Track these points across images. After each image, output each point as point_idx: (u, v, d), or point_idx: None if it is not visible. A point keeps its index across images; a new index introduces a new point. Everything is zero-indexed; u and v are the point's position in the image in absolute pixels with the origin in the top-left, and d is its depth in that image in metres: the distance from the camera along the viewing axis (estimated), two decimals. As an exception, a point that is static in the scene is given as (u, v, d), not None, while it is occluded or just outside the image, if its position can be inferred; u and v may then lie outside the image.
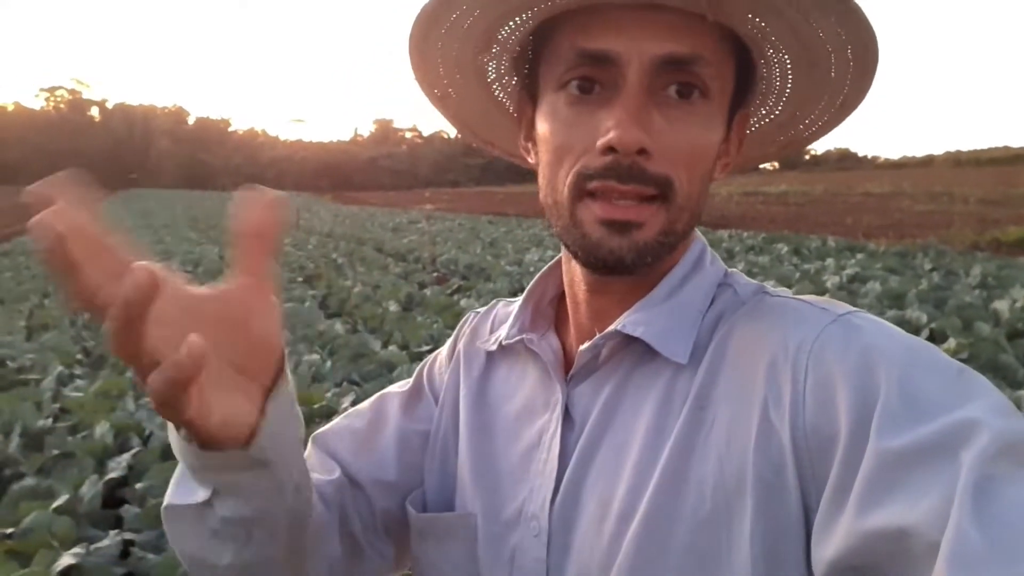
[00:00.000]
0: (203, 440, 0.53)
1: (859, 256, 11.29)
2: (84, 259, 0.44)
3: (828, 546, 0.51)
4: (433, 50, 0.68)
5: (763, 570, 0.55)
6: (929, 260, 10.71)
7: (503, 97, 0.75)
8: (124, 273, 0.43)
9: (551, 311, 0.75)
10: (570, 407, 0.68)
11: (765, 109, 0.71)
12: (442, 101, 0.75)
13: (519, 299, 0.77)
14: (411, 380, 0.84)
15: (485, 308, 0.84)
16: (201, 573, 0.64)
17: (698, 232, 0.70)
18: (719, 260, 0.70)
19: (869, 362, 0.53)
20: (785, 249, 12.58)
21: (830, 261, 10.54)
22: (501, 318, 0.79)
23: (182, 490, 0.61)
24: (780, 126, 0.72)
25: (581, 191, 0.60)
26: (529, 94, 0.68)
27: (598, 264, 0.62)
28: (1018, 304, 6.50)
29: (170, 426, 0.56)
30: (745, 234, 15.61)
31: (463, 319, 0.84)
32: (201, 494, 0.59)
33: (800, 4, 0.57)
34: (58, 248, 0.43)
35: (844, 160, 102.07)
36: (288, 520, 0.62)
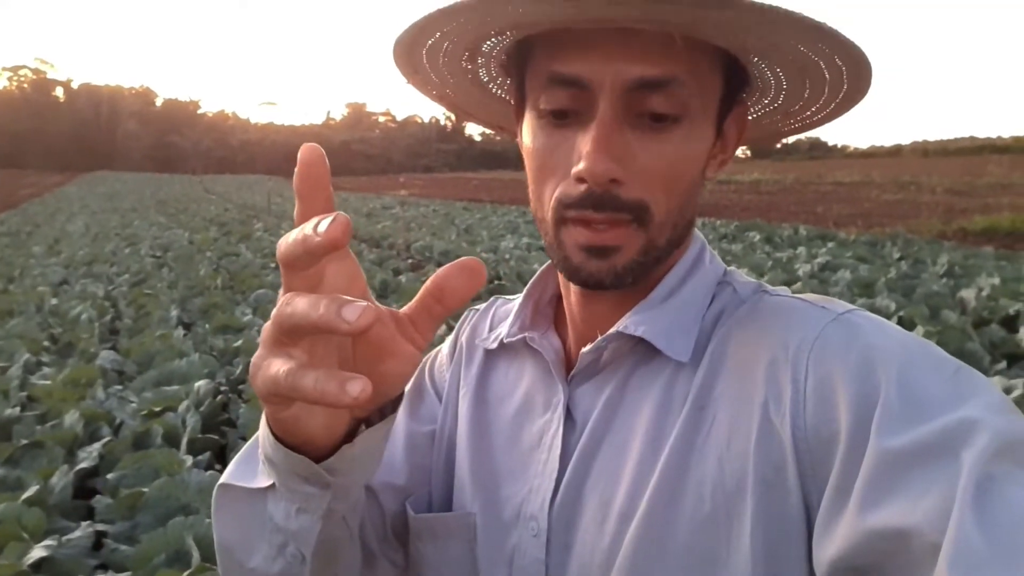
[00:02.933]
0: (282, 431, 0.51)
1: (830, 245, 11.45)
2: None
3: (829, 546, 0.51)
4: (420, 65, 0.67)
5: (763, 570, 0.55)
6: (897, 249, 10.89)
7: (501, 93, 0.74)
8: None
9: (550, 310, 0.75)
10: (571, 407, 0.68)
11: (767, 98, 0.70)
12: (443, 100, 0.75)
13: (518, 297, 0.76)
14: (411, 379, 0.83)
15: (484, 305, 0.83)
16: (228, 566, 0.63)
17: (697, 231, 0.70)
18: (718, 258, 0.70)
19: (869, 361, 0.53)
20: (757, 237, 12.71)
21: (801, 249, 10.67)
22: (500, 316, 0.79)
23: (242, 470, 0.61)
24: (786, 114, 0.71)
25: (563, 217, 0.61)
26: (520, 95, 0.67)
27: (580, 284, 0.63)
28: (984, 293, 6.65)
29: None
30: (718, 222, 15.73)
31: (462, 316, 0.83)
32: (261, 480, 0.57)
33: (775, 28, 0.56)
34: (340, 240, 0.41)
35: (814, 149, 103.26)
36: (324, 547, 0.60)
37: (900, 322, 6.03)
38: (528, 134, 0.64)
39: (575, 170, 0.59)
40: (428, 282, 0.50)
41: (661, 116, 0.58)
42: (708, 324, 0.65)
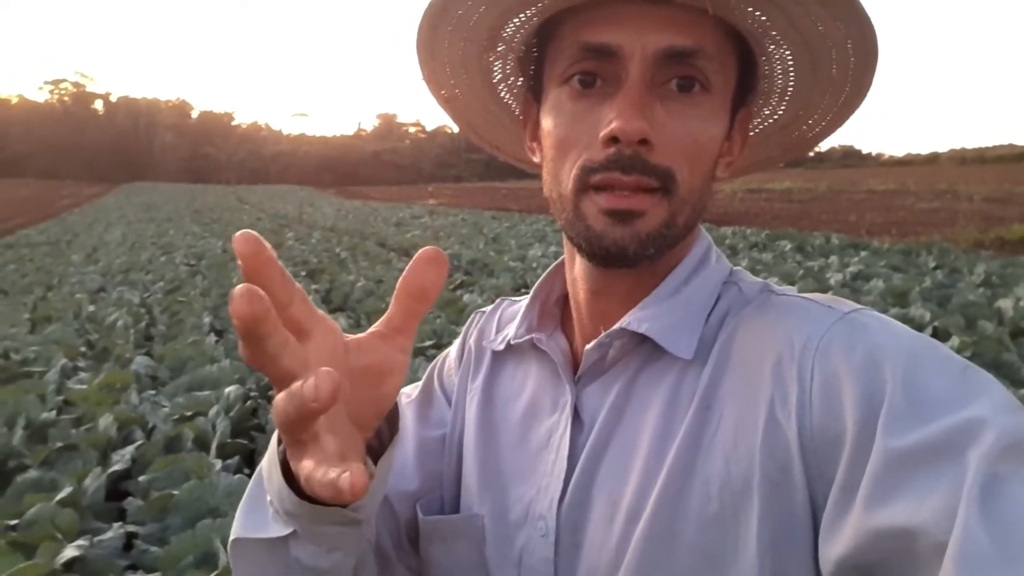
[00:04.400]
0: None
1: (863, 254, 11.27)
2: (271, 331, 0.44)
3: (835, 545, 0.51)
4: (440, 48, 0.68)
5: (770, 568, 0.55)
6: (933, 258, 10.68)
7: (509, 99, 0.75)
8: (309, 367, 0.45)
9: (557, 311, 0.75)
10: (579, 408, 0.68)
11: (768, 109, 0.71)
12: (449, 103, 0.75)
13: (524, 298, 0.77)
14: (419, 385, 0.84)
15: (491, 307, 0.83)
16: None
17: (703, 230, 0.70)
18: (724, 258, 0.70)
19: (875, 361, 0.53)
20: (789, 246, 12.57)
21: (833, 258, 10.52)
22: (507, 317, 0.79)
23: (252, 521, 0.59)
24: (783, 127, 0.72)
25: (585, 184, 0.60)
26: (534, 94, 0.68)
27: (602, 254, 0.62)
28: (1022, 303, 6.48)
29: (270, 453, 0.55)
30: (748, 231, 15.59)
31: (469, 319, 0.84)
32: (276, 529, 0.56)
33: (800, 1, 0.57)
34: (251, 327, 0.42)
35: (848, 157, 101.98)
36: (354, 567, 0.61)
37: (935, 332, 5.91)
38: (550, 114, 0.64)
39: (605, 131, 0.59)
40: (403, 285, 0.51)
41: (688, 84, 0.59)
42: (713, 323, 0.65)
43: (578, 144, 0.61)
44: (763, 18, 0.60)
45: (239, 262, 0.45)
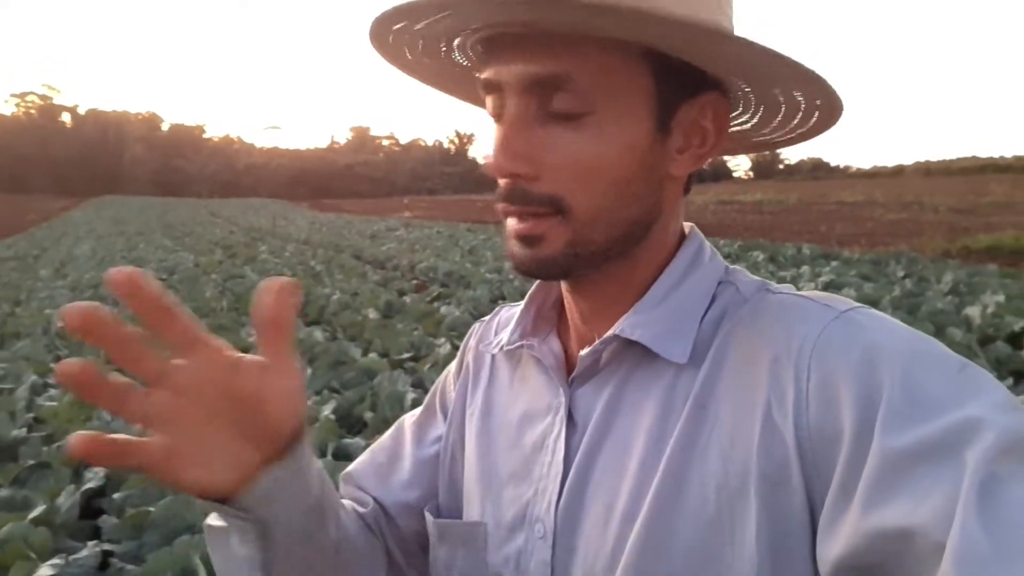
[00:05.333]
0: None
1: (834, 263, 11.43)
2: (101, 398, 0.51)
3: (833, 545, 0.50)
4: (399, 49, 0.68)
5: (768, 569, 0.55)
6: (902, 267, 10.85)
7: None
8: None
9: (554, 315, 0.75)
10: (573, 410, 0.68)
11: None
12: (416, 72, 0.73)
13: (522, 303, 0.77)
14: (425, 401, 0.87)
15: (489, 315, 0.84)
16: None
17: (694, 228, 0.70)
18: (719, 256, 0.69)
19: (872, 360, 0.53)
20: (761, 257, 12.70)
21: (805, 268, 10.66)
22: (504, 322, 0.80)
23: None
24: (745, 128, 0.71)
25: (500, 210, 0.64)
26: None
27: (519, 273, 0.65)
28: (988, 310, 6.62)
29: None
30: (721, 242, 15.74)
31: (469, 330, 0.85)
32: (215, 519, 0.63)
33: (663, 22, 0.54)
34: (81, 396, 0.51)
35: (817, 170, 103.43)
36: (304, 564, 0.63)
37: (905, 340, 6.02)
38: None
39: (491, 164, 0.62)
40: (254, 320, 0.54)
41: (566, 109, 0.59)
42: (709, 325, 0.64)
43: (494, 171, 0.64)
44: (639, 37, 0.57)
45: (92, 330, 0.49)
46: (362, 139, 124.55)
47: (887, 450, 0.49)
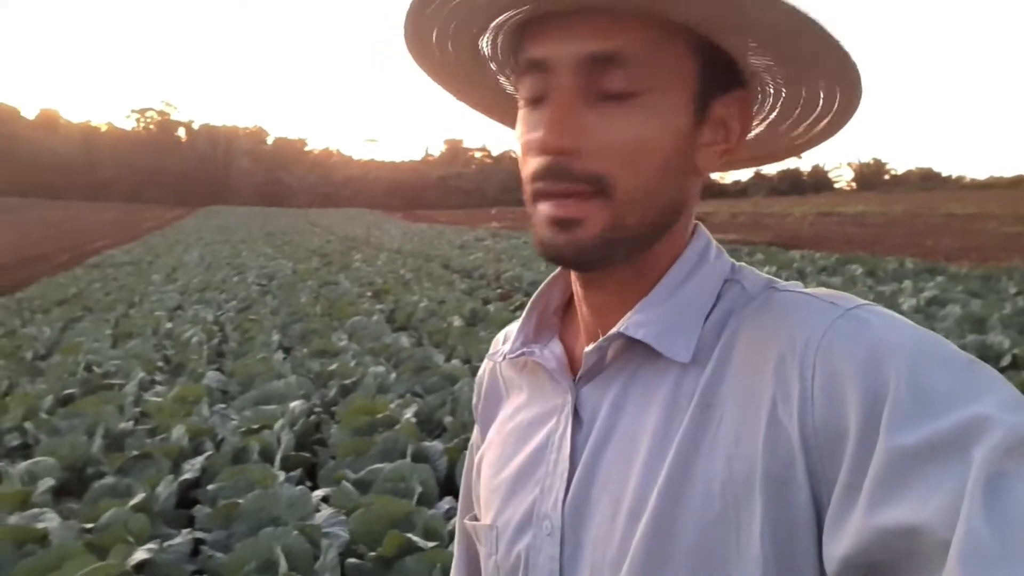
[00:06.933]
0: None
1: (939, 279, 10.84)
2: None
3: (839, 543, 0.50)
4: (433, 57, 0.70)
5: (774, 568, 0.55)
6: (1014, 284, 10.20)
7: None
8: None
9: (556, 320, 0.76)
10: (579, 408, 0.68)
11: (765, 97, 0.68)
12: (460, 95, 0.76)
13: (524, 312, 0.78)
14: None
15: (501, 333, 0.85)
16: None
17: (700, 225, 0.70)
18: (725, 254, 0.69)
19: (878, 357, 0.52)
20: (860, 271, 12.18)
21: (907, 283, 10.15)
22: (510, 334, 0.80)
23: None
24: (773, 126, 0.71)
25: (533, 192, 0.63)
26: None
27: (550, 259, 0.64)
28: (1111, 331, 6.14)
29: None
30: (817, 255, 15.19)
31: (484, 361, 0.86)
32: None
33: None
34: None
35: (926, 180, 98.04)
36: None
37: (1014, 360, 5.65)
38: (518, 122, 0.66)
39: (536, 144, 0.61)
40: None
41: (618, 87, 0.60)
42: (715, 323, 0.64)
43: (528, 154, 0.63)
44: (704, 11, 0.57)
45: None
46: (455, 151, 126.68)
47: (893, 448, 0.48)
